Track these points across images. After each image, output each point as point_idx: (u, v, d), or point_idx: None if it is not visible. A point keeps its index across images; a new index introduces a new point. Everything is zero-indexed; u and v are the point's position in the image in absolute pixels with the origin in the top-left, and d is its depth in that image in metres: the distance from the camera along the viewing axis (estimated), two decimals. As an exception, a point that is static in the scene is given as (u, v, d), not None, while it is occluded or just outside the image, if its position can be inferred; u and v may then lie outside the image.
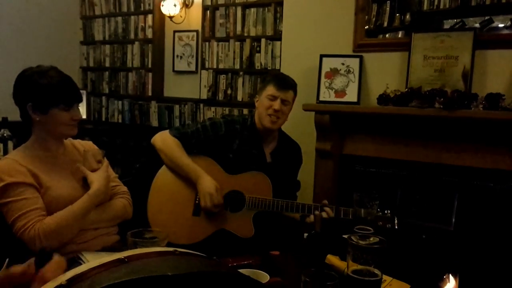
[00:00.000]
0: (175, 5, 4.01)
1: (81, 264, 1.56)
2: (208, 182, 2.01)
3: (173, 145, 2.10)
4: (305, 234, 1.72)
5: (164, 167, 2.13)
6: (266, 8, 3.71)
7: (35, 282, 0.49)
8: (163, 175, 2.13)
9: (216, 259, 0.51)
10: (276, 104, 2.10)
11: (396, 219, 1.75)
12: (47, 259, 0.51)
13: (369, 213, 1.78)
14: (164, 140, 2.13)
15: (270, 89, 2.13)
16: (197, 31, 4.13)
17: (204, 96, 4.10)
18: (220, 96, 4.03)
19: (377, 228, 1.71)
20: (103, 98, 4.81)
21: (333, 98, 2.87)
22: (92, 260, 1.45)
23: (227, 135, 2.15)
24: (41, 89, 1.56)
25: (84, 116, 1.71)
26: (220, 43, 4.00)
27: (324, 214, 1.89)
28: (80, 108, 1.69)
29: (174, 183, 2.11)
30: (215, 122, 2.17)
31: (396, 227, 1.73)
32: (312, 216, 1.93)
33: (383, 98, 2.62)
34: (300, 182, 2.39)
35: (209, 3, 4.02)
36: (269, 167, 2.15)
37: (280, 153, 2.24)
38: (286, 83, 2.16)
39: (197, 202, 2.07)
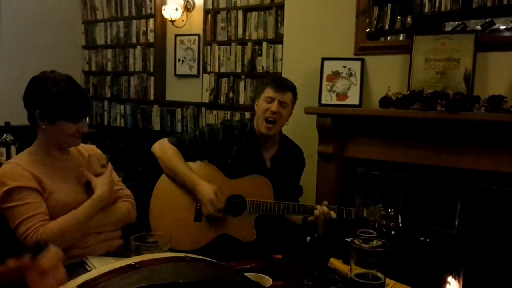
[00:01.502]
0: (176, 9, 4.03)
1: (86, 268, 1.57)
2: (207, 188, 2.01)
3: (171, 153, 2.11)
4: (308, 238, 1.72)
5: (164, 174, 2.14)
6: (267, 12, 3.71)
7: (32, 270, 0.49)
8: (164, 182, 2.14)
9: (225, 265, 0.51)
10: (274, 106, 2.09)
11: (400, 217, 1.75)
12: (42, 251, 0.51)
13: (372, 213, 1.77)
14: (162, 148, 2.14)
15: (268, 91, 2.12)
16: (198, 35, 4.14)
17: (206, 99, 4.11)
18: (222, 99, 4.03)
19: (380, 227, 1.71)
20: (105, 102, 4.82)
21: (334, 101, 2.87)
22: (97, 265, 1.45)
23: (225, 141, 2.14)
24: (51, 100, 1.55)
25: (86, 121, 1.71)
26: (222, 46, 4.00)
27: (325, 210, 1.88)
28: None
29: (175, 190, 2.11)
30: (213, 129, 2.17)
31: (400, 225, 1.73)
32: (316, 211, 1.92)
33: (385, 101, 2.62)
34: (303, 187, 2.36)
35: (210, 7, 4.03)
36: (269, 173, 2.13)
37: (281, 158, 2.22)
38: (284, 85, 2.15)
39: (198, 207, 2.07)
